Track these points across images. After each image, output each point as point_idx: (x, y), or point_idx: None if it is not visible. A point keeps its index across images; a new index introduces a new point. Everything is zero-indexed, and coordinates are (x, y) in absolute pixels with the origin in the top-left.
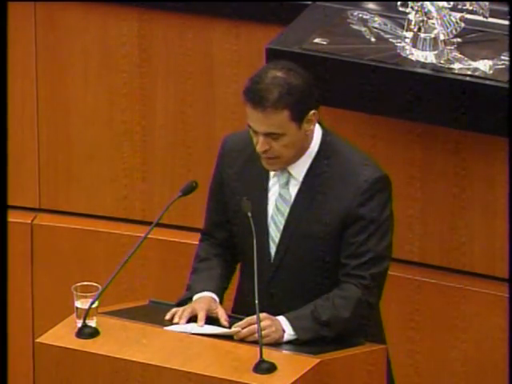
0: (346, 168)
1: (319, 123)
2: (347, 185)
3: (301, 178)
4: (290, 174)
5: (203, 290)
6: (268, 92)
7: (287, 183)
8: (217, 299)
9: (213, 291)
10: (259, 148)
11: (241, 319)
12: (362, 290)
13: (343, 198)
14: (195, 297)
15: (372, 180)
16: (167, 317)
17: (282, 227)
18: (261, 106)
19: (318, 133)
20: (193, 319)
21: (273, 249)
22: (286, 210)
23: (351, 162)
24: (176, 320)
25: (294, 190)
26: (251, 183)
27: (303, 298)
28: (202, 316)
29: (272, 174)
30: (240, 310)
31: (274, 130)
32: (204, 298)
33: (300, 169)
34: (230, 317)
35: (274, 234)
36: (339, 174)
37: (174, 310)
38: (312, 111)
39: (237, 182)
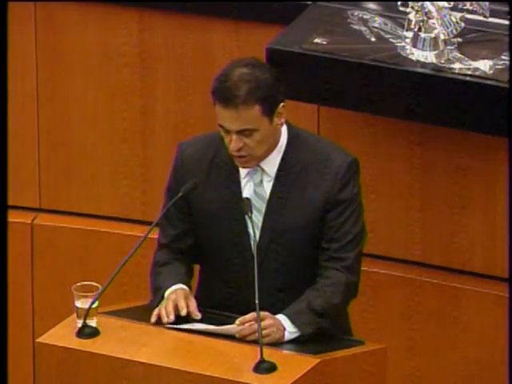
0: (317, 157)
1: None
2: (322, 173)
3: (273, 174)
4: (263, 171)
5: (173, 285)
6: (237, 89)
7: (261, 181)
8: (188, 290)
9: (183, 283)
10: (233, 147)
11: (230, 317)
12: (346, 273)
13: (320, 186)
14: (167, 292)
15: (346, 165)
16: (152, 320)
17: (260, 225)
18: (232, 104)
19: (284, 127)
20: (186, 318)
21: (253, 247)
22: (263, 207)
23: (321, 151)
24: (165, 320)
25: (268, 186)
26: (221, 187)
27: (289, 291)
28: (182, 304)
29: (243, 174)
30: (211, 317)
31: (247, 126)
32: (176, 290)
33: (272, 164)
34: (232, 317)
35: (253, 232)
36: (312, 164)
37: (155, 311)
38: (281, 104)
39: (203, 188)
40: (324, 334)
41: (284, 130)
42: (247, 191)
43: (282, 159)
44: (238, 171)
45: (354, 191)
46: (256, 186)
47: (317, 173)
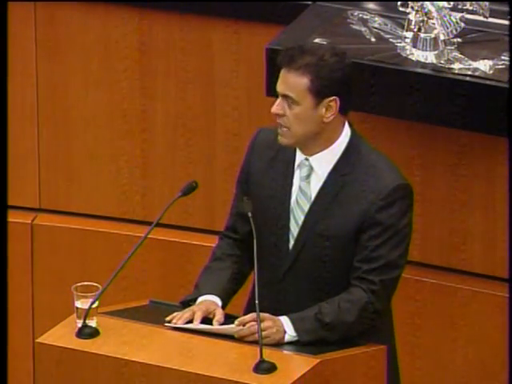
0: (368, 172)
1: (350, 125)
2: (368, 189)
3: (324, 176)
4: (311, 168)
5: (208, 293)
6: (299, 56)
7: (308, 176)
8: (219, 303)
9: (218, 295)
10: (273, 108)
11: (231, 316)
12: (370, 295)
13: (363, 201)
14: (199, 299)
15: (393, 187)
16: (167, 318)
17: (300, 223)
18: (287, 66)
19: (346, 133)
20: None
21: (291, 243)
22: (306, 206)
23: (375, 167)
24: (174, 321)
25: (314, 185)
26: (277, 177)
27: (314, 297)
28: (198, 316)
29: (296, 166)
30: (253, 310)
31: (290, 93)
32: (206, 302)
33: (323, 165)
34: (233, 317)
35: (293, 228)
36: (361, 178)
37: (175, 313)
38: (333, 97)
39: (263, 175)
40: (326, 343)
41: (346, 135)
42: (296, 186)
43: (336, 165)
44: (294, 164)
45: (395, 216)
46: (302, 181)
47: (363, 188)
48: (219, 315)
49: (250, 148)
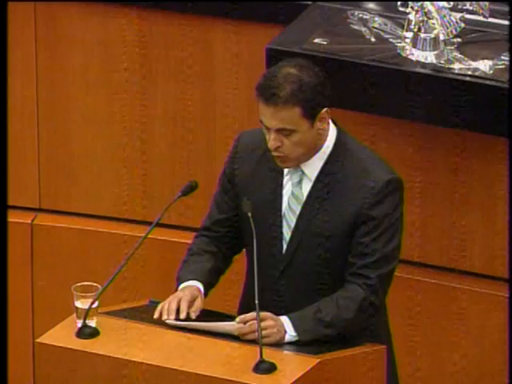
0: (358, 169)
1: (334, 123)
2: (359, 186)
3: (313, 178)
4: (303, 173)
5: (190, 280)
6: (280, 88)
7: (300, 182)
8: (202, 289)
9: (200, 281)
10: (271, 145)
11: (231, 316)
12: (367, 291)
13: (354, 199)
14: (181, 285)
15: (383, 182)
16: (155, 315)
17: (293, 225)
18: (272, 102)
19: (332, 133)
20: (188, 318)
21: (284, 246)
22: (298, 209)
23: (364, 164)
24: (165, 317)
25: (306, 189)
26: (265, 181)
27: (310, 297)
28: (184, 307)
29: (286, 171)
30: (247, 311)
31: (286, 126)
32: (189, 287)
33: (313, 168)
34: (230, 317)
35: (286, 232)
36: (352, 175)
37: (160, 306)
38: (324, 109)
39: (250, 179)
40: (326, 342)
41: (332, 135)
42: (286, 190)
43: (324, 165)
44: (282, 170)
45: (387, 210)
46: (294, 187)
47: (354, 185)
48: (196, 307)
49: (234, 153)
